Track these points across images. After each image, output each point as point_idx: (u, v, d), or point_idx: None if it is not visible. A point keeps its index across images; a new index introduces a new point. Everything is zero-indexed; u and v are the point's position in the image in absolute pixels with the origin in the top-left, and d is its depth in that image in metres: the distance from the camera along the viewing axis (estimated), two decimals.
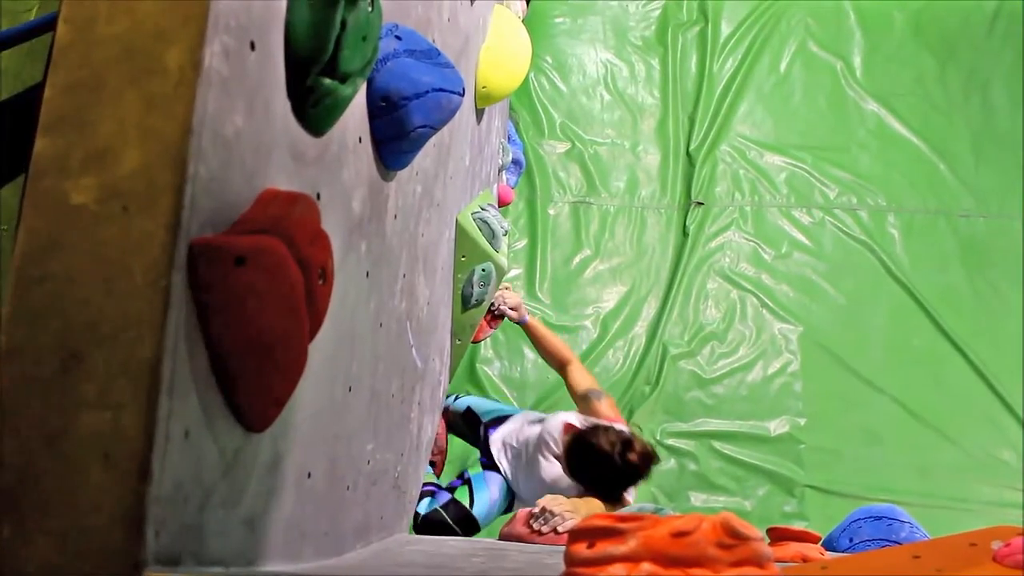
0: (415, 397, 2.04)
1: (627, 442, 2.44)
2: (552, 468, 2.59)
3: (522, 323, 3.12)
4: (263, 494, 1.04)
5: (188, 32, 0.87)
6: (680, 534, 0.97)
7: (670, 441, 3.99)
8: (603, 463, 2.42)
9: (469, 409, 3.05)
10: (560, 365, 2.99)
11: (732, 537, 0.98)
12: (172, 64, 0.87)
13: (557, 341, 3.08)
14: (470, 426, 3.03)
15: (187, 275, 0.85)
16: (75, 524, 0.79)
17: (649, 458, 2.47)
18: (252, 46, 0.97)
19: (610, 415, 2.72)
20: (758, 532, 1.01)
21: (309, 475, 1.21)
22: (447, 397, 3.16)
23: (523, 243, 4.30)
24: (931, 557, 1.28)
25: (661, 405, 4.06)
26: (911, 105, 4.47)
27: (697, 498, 3.90)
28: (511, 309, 3.09)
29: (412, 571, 1.27)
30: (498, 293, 2.98)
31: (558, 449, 2.61)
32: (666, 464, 3.93)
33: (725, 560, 0.97)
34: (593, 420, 2.63)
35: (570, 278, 4.27)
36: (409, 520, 2.18)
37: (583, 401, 2.82)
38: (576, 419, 2.67)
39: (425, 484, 2.90)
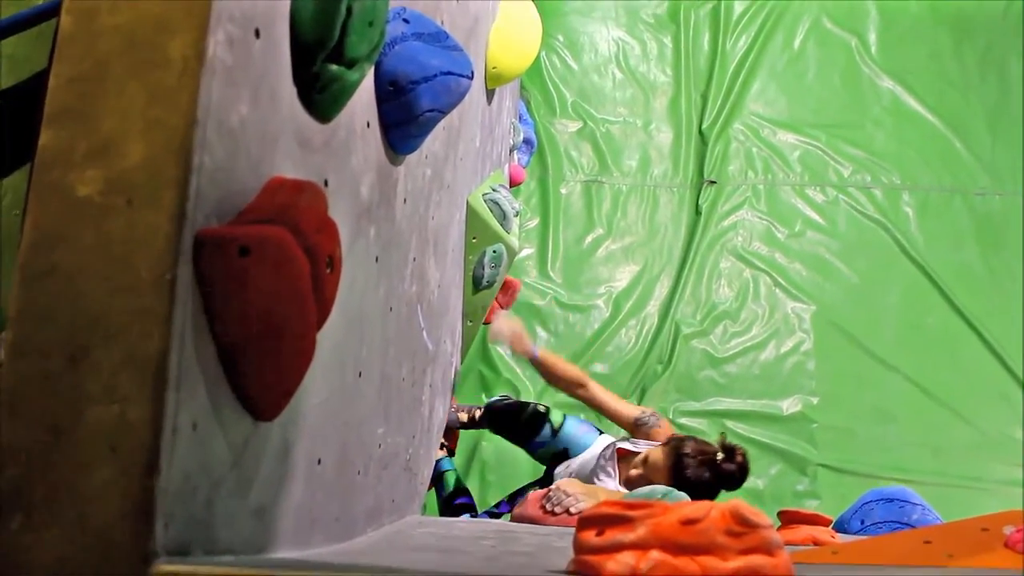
0: (426, 380, 2.04)
1: (730, 448, 2.51)
2: (611, 485, 2.60)
3: (533, 359, 2.91)
4: (272, 483, 1.05)
5: (191, 22, 0.87)
6: (689, 522, 0.97)
7: (683, 420, 3.99)
8: (711, 469, 2.46)
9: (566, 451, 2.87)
10: (575, 386, 2.88)
11: (742, 525, 0.98)
12: (175, 55, 0.86)
13: (564, 364, 2.95)
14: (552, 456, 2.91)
15: (193, 266, 0.85)
16: (84, 517, 0.79)
17: (747, 460, 2.54)
18: (257, 34, 0.96)
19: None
20: (768, 519, 1.01)
21: (319, 462, 1.21)
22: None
23: (535, 222, 4.29)
24: (942, 542, 1.28)
25: (673, 384, 4.06)
26: (926, 82, 4.42)
27: None
28: (510, 338, 2.86)
29: (424, 555, 1.27)
30: (495, 325, 2.81)
31: (615, 471, 2.62)
32: None
33: (734, 548, 0.97)
34: (647, 442, 2.65)
35: (582, 257, 4.26)
36: (421, 502, 2.19)
37: (637, 429, 2.76)
38: (628, 444, 2.66)
39: (463, 495, 2.90)
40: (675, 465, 2.46)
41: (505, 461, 3.72)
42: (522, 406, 2.94)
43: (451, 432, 3.16)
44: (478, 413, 3.10)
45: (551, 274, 4.21)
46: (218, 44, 0.88)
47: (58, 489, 0.80)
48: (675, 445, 2.53)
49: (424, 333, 1.93)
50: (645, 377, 4.07)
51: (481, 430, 3.42)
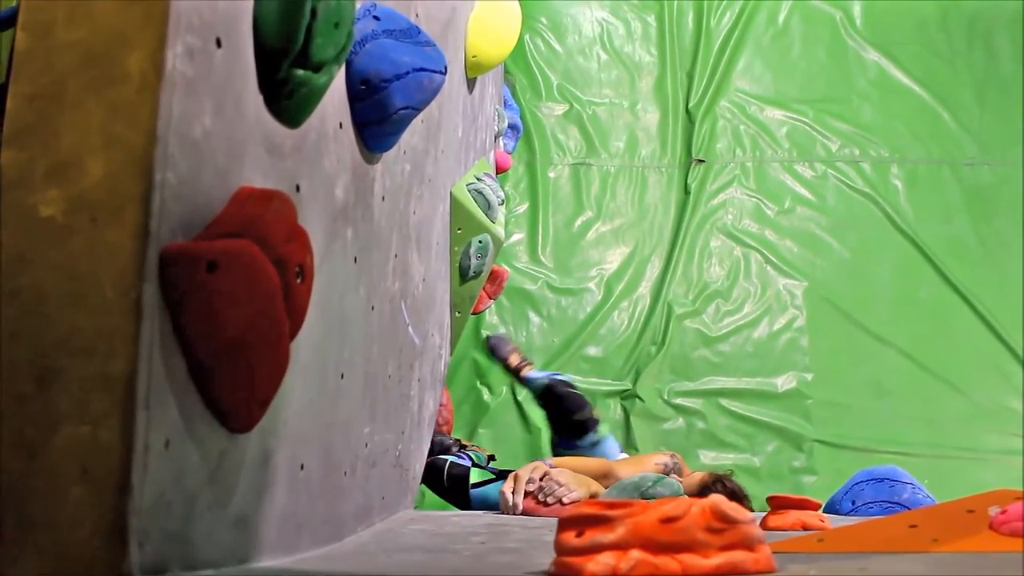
0: (414, 374, 2.04)
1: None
2: None
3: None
4: (253, 492, 1.04)
5: (148, 35, 0.86)
6: (669, 520, 0.97)
7: (677, 400, 4.00)
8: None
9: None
10: (602, 478, 2.44)
11: (722, 521, 0.98)
12: (133, 69, 0.85)
13: (582, 464, 2.49)
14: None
15: (159, 283, 0.84)
16: (58, 539, 0.79)
17: None
18: (218, 43, 0.95)
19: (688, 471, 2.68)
20: (748, 514, 1.01)
21: (302, 467, 1.21)
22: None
23: (524, 207, 4.27)
24: (928, 526, 1.28)
25: (668, 365, 4.06)
26: (913, 53, 4.39)
27: (706, 456, 3.91)
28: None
29: (408, 556, 1.28)
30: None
31: None
32: (674, 423, 3.95)
33: (715, 544, 0.97)
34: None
35: (572, 240, 4.25)
36: (414, 496, 2.19)
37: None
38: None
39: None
40: (701, 489, 2.38)
41: None
42: (581, 405, 2.87)
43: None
44: (528, 369, 3.12)
45: (542, 258, 4.20)
46: (177, 57, 0.87)
47: (33, 511, 0.80)
48: (714, 477, 2.46)
49: (410, 328, 1.92)
50: (639, 359, 4.07)
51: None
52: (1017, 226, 4.15)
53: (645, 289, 4.21)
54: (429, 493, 3.08)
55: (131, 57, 0.85)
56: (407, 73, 1.41)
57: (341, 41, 1.16)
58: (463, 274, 2.55)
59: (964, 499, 1.37)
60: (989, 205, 4.21)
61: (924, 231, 4.18)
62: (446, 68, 1.52)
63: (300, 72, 1.10)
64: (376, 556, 1.26)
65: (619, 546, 0.95)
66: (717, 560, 0.96)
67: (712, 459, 3.87)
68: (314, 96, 1.15)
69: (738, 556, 0.97)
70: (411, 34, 1.45)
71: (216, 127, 0.94)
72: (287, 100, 1.10)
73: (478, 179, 2.56)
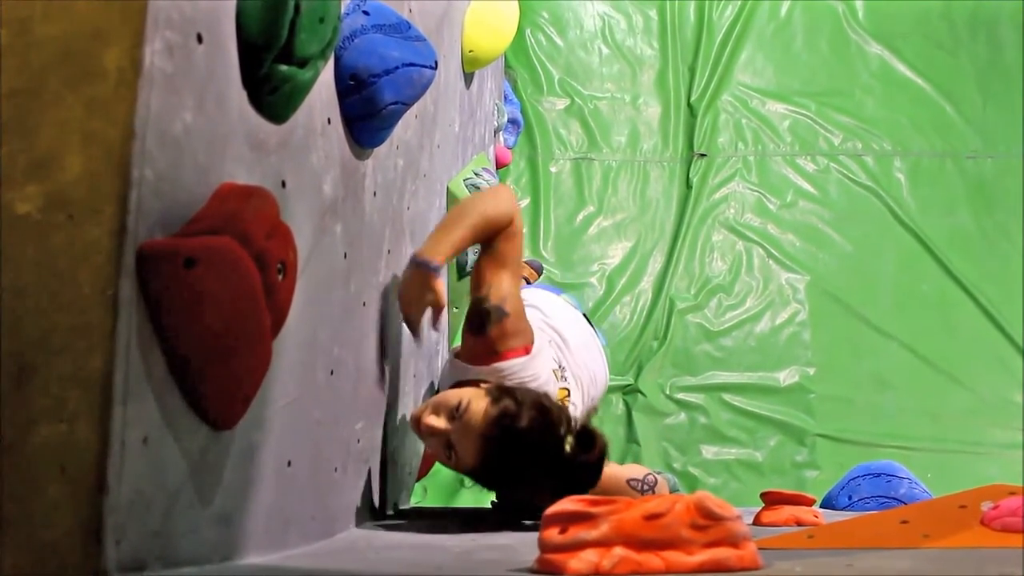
0: (409, 370, 2.03)
1: (587, 435, 1.57)
2: None
3: None
4: (237, 489, 1.04)
5: (126, 30, 0.85)
6: (653, 516, 0.97)
7: (679, 395, 3.98)
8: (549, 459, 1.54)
9: None
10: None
11: (706, 518, 0.98)
12: (111, 65, 0.85)
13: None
14: None
15: (137, 280, 0.84)
16: (35, 537, 0.79)
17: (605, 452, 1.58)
18: (199, 38, 0.95)
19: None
20: (735, 511, 1.01)
21: (289, 463, 1.21)
22: None
23: (525, 202, 4.26)
24: (919, 521, 1.28)
25: (670, 359, 4.04)
26: (915, 45, 4.37)
27: (708, 451, 3.90)
28: None
29: (395, 553, 1.27)
30: None
31: None
32: (676, 418, 3.93)
33: (699, 541, 0.97)
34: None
35: (574, 235, 4.24)
36: (409, 491, 2.19)
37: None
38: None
39: None
40: (493, 437, 1.53)
41: None
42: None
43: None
44: None
45: (543, 253, 4.19)
46: (155, 53, 0.86)
47: (10, 508, 0.80)
48: (502, 404, 1.54)
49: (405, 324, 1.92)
50: (641, 353, 4.06)
51: None
52: (1019, 218, 4.12)
53: (647, 284, 4.19)
54: (430, 488, 3.08)
55: (109, 53, 0.85)
56: (396, 68, 1.41)
57: (326, 36, 1.15)
58: (460, 270, 2.54)
59: (957, 494, 1.37)
60: (992, 198, 4.19)
61: (927, 224, 4.15)
62: (436, 63, 1.51)
63: (284, 68, 1.09)
64: (364, 552, 1.26)
65: (602, 543, 0.94)
66: (701, 557, 0.96)
67: (714, 454, 3.86)
68: (299, 92, 1.14)
69: (722, 553, 0.97)
70: (401, 29, 1.45)
71: (197, 123, 0.94)
72: (271, 96, 1.09)
73: (476, 174, 2.55)
